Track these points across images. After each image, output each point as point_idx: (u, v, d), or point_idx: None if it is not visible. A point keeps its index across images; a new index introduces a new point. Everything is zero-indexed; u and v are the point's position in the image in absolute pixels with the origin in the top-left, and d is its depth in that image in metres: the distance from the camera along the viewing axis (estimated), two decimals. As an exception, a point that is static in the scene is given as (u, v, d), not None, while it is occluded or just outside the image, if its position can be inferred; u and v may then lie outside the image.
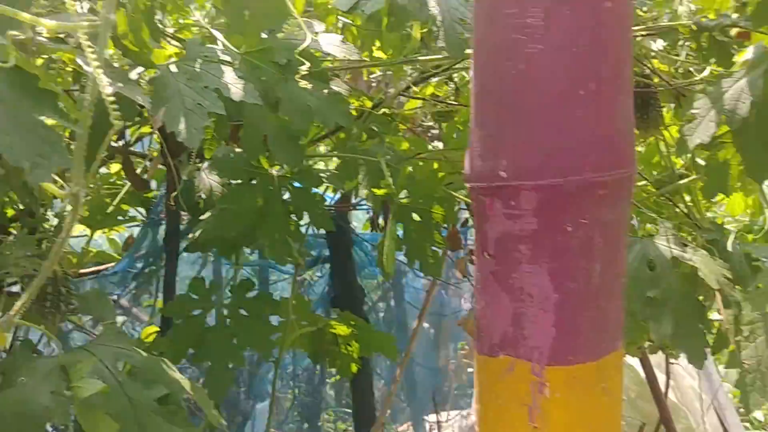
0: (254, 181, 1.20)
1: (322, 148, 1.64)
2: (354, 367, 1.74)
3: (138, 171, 1.71)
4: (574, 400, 0.79)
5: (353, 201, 2.02)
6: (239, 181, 1.21)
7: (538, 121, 0.74)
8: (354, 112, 1.48)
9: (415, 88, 1.54)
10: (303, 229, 1.74)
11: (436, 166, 1.36)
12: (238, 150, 1.23)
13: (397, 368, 2.69)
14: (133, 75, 0.98)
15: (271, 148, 1.10)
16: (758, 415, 3.31)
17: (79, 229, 1.72)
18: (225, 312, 1.28)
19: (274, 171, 1.22)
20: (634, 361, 2.91)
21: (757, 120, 0.92)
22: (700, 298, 1.14)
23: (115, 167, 1.95)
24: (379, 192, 1.17)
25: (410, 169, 1.32)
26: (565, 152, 0.74)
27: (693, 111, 0.95)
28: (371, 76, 1.74)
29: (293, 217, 1.24)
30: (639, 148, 2.07)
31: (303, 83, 1.04)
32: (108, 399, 0.94)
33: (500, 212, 0.78)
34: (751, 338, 0.98)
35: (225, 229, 1.21)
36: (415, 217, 1.24)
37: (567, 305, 0.77)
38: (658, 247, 1.05)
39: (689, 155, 1.50)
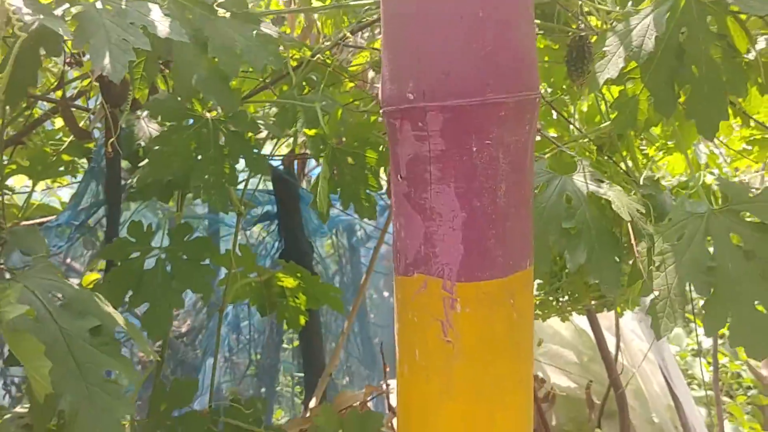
0: (190, 122, 1.22)
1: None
2: (302, 320, 1.78)
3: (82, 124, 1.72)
4: (484, 315, 0.83)
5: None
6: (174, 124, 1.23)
7: (440, 43, 0.77)
8: (294, 63, 1.50)
9: (358, 39, 1.56)
10: (251, 184, 1.77)
11: (373, 119, 1.39)
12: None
13: (368, 332, 2.73)
14: (59, 11, 0.99)
15: (201, 89, 1.12)
16: (705, 376, 3.41)
17: (22, 182, 1.73)
18: (163, 255, 1.30)
19: (209, 114, 1.24)
20: (587, 327, 2.99)
21: (662, 56, 0.97)
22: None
23: (61, 122, 1.95)
24: (311, 132, 1.19)
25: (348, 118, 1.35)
26: (467, 74, 0.77)
27: (604, 49, 0.99)
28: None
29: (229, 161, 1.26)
30: (582, 108, 2.13)
31: (221, 12, 1.05)
32: (38, 327, 0.96)
33: (410, 134, 0.81)
34: (662, 268, 1.03)
35: (159, 172, 1.23)
36: (349, 160, 1.27)
37: (474, 224, 0.81)
38: (575, 183, 1.09)
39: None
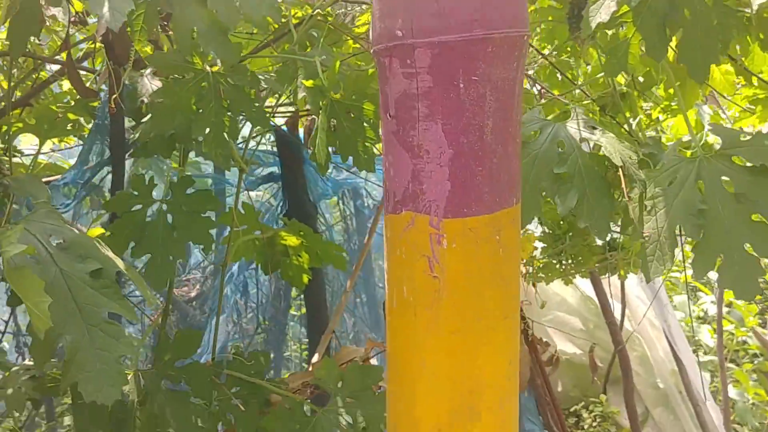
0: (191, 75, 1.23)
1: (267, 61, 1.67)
2: (305, 278, 1.80)
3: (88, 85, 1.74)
4: (470, 250, 0.84)
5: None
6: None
7: (429, -21, 0.78)
8: (295, 21, 1.51)
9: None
10: (251, 144, 1.78)
11: (371, 72, 1.40)
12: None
13: (374, 296, 2.76)
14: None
15: (200, 41, 1.14)
16: (708, 341, 3.42)
17: (29, 141, 1.76)
18: (164, 207, 1.32)
19: (209, 68, 1.25)
20: (593, 294, 3.00)
21: (654, -1, 0.97)
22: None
23: (68, 84, 1.98)
24: (308, 83, 1.20)
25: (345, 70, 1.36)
26: (455, 9, 0.78)
27: (598, -7, 0.99)
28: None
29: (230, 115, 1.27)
30: (585, 68, 2.12)
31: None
32: (38, 269, 0.98)
33: (398, 71, 0.82)
34: (653, 212, 1.04)
35: (161, 126, 1.24)
36: (348, 113, 1.28)
37: (461, 160, 0.82)
38: (568, 130, 1.10)
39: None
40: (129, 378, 1.37)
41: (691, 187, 1.03)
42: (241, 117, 1.34)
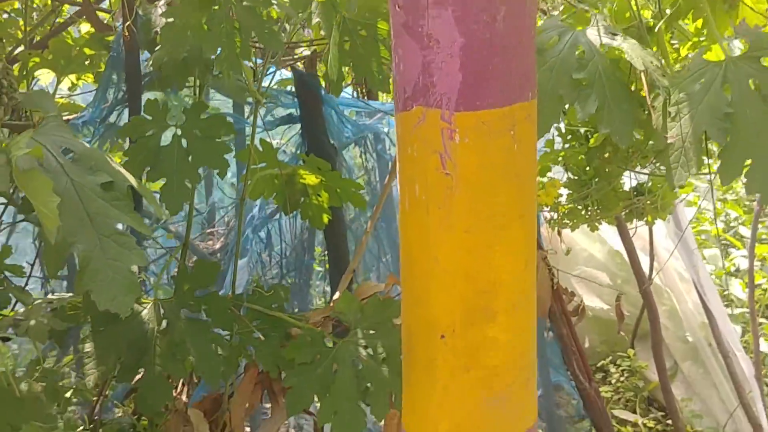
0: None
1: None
2: (325, 218, 1.79)
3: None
4: (484, 145, 0.81)
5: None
6: None
7: None
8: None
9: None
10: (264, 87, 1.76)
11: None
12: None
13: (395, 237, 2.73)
14: None
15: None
16: (740, 294, 3.36)
17: (48, 79, 1.76)
18: (179, 132, 1.31)
19: (220, -13, 1.23)
20: (621, 249, 2.95)
21: None
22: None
23: (86, 27, 1.98)
24: (320, -4, 1.18)
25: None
26: None
27: None
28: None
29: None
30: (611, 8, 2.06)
31: None
32: (49, 178, 0.97)
33: (406, -43, 0.79)
34: (677, 118, 1.00)
35: (173, 47, 1.23)
36: (362, 32, 1.25)
37: (472, 50, 0.79)
38: (588, 36, 1.06)
39: None
40: (149, 307, 1.38)
41: (717, 90, 0.99)
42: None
